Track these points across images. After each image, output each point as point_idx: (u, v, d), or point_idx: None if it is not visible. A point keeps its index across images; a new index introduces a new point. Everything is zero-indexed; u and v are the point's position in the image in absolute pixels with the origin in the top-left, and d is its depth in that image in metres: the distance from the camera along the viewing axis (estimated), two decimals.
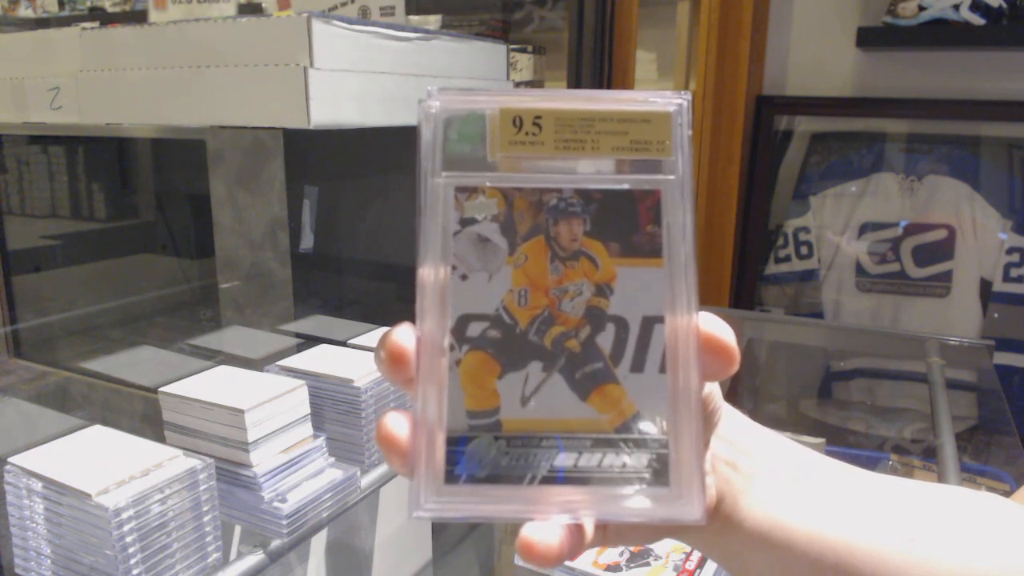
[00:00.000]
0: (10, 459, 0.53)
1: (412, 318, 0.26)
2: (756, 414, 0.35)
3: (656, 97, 0.28)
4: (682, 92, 0.28)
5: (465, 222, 0.26)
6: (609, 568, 0.63)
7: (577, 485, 0.25)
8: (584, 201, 0.27)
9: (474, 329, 0.25)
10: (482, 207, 0.26)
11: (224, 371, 0.67)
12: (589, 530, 0.25)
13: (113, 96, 0.87)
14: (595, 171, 0.27)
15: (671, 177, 0.27)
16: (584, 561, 0.64)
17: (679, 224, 0.26)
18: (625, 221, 0.27)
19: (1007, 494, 0.39)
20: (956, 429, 0.96)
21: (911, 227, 1.69)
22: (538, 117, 0.27)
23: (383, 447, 0.25)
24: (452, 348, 0.25)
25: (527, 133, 0.27)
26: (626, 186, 0.27)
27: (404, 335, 0.25)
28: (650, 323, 0.26)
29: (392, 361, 0.25)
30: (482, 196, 0.26)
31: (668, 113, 0.27)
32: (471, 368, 0.25)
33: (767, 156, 1.87)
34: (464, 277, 0.26)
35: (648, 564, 0.63)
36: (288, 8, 1.11)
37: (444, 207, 0.26)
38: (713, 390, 0.29)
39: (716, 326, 0.26)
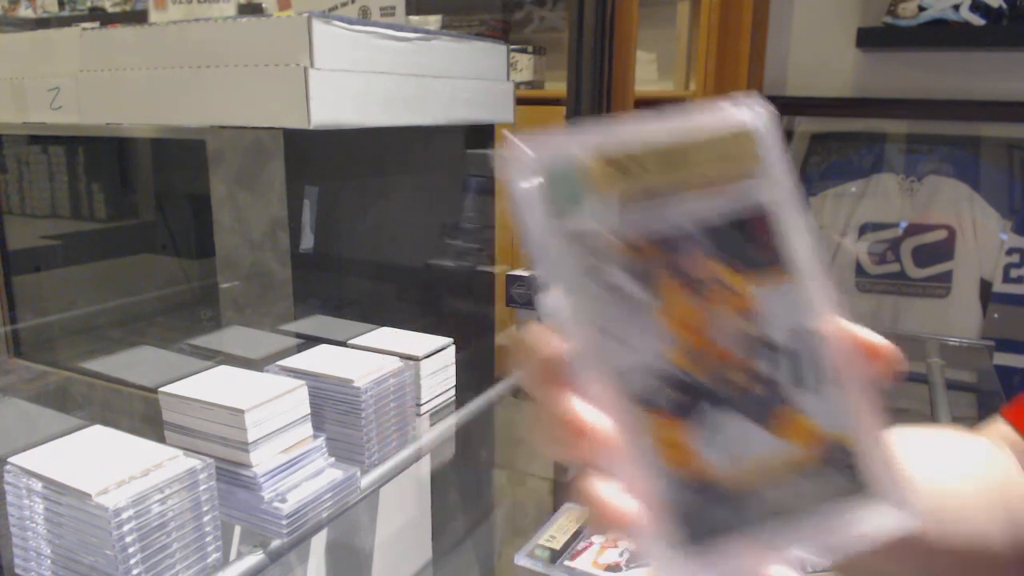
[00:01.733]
0: (10, 459, 0.53)
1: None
2: None
3: (738, 112, 0.26)
4: (757, 99, 0.26)
5: (594, 275, 0.24)
6: (609, 568, 0.63)
7: (798, 519, 0.24)
8: (703, 232, 0.25)
9: (643, 387, 0.24)
10: (614, 263, 0.25)
11: (224, 371, 0.67)
12: (825, 562, 0.26)
13: (113, 96, 0.87)
14: (705, 199, 0.26)
15: (776, 189, 0.26)
16: (584, 561, 0.64)
17: (795, 232, 0.26)
18: (746, 243, 0.26)
19: None
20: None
21: (911, 227, 1.69)
22: (636, 155, 0.25)
23: (600, 519, 0.23)
24: (630, 412, 0.24)
25: (629, 173, 0.25)
26: (739, 207, 0.26)
27: (580, 409, 0.24)
28: (799, 336, 0.26)
29: (577, 437, 0.23)
30: (611, 251, 0.25)
31: (755, 128, 0.26)
32: (664, 433, 0.24)
33: None
34: (612, 335, 0.24)
35: (648, 564, 0.63)
36: (288, 8, 1.11)
37: (570, 263, 0.24)
38: None
39: (865, 331, 0.26)
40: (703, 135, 0.26)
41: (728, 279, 0.25)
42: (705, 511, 0.24)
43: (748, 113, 0.26)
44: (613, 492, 0.23)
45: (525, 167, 0.25)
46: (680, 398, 0.24)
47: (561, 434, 0.24)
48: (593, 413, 0.23)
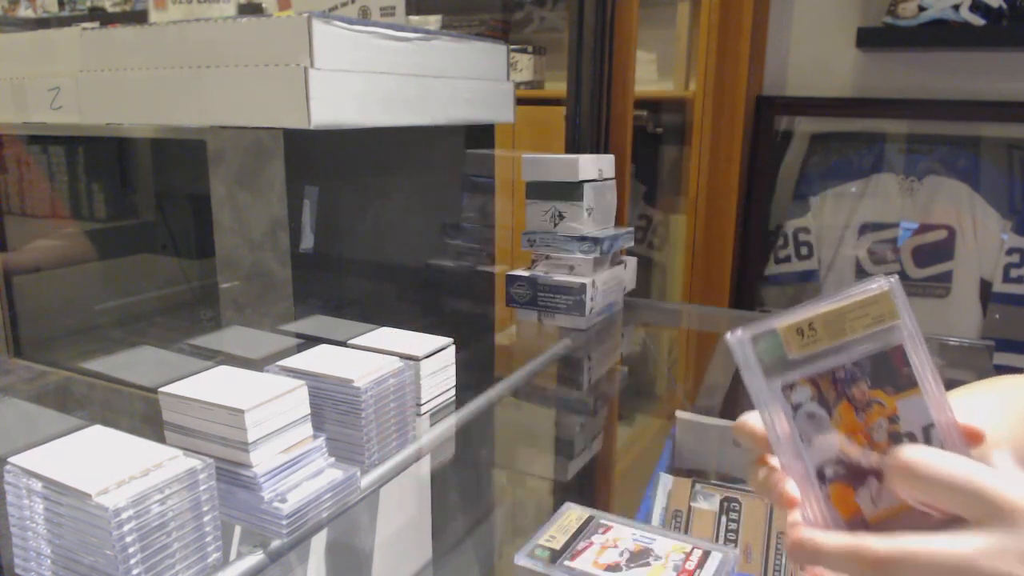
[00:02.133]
0: (10, 459, 0.53)
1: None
2: None
3: (873, 284, 0.41)
4: (890, 277, 0.41)
5: (795, 407, 0.40)
6: (609, 568, 0.63)
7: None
8: (860, 368, 0.40)
9: (828, 470, 0.40)
10: (801, 394, 0.40)
11: (224, 371, 0.67)
12: None
13: (113, 96, 0.87)
14: (860, 344, 0.40)
15: (904, 332, 0.41)
16: (584, 561, 0.64)
17: (919, 360, 0.41)
18: (889, 371, 0.40)
19: None
20: None
21: (911, 227, 1.69)
22: (811, 323, 0.40)
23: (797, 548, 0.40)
24: (817, 483, 0.40)
25: (807, 336, 0.40)
26: (881, 348, 0.40)
27: (790, 488, 0.41)
28: (927, 429, 0.41)
29: (791, 504, 0.41)
30: (799, 387, 0.40)
31: (888, 291, 0.40)
32: (836, 493, 0.41)
33: (767, 156, 1.87)
34: (809, 441, 0.40)
35: (648, 564, 0.63)
36: (288, 8, 1.11)
37: (781, 403, 0.40)
38: None
39: (965, 417, 0.41)
40: (854, 301, 0.40)
41: (880, 397, 0.41)
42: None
43: (885, 281, 0.41)
44: (804, 527, 0.40)
45: (742, 342, 0.40)
46: (848, 474, 0.41)
47: (776, 498, 0.42)
48: (792, 486, 0.41)
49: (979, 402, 0.49)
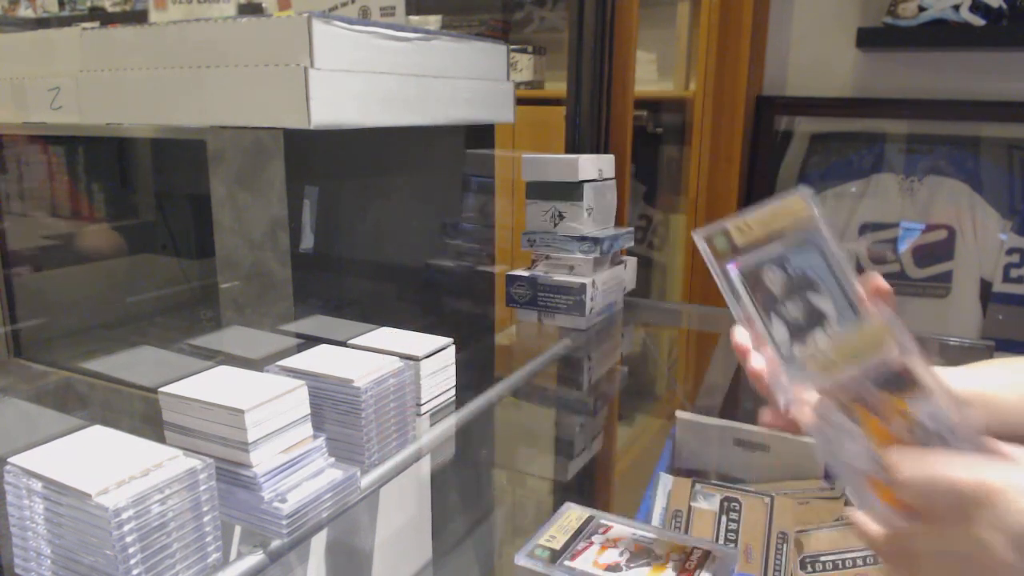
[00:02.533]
0: (10, 459, 0.53)
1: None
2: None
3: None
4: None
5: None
6: (609, 568, 0.63)
7: None
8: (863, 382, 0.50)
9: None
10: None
11: (224, 371, 0.67)
12: None
13: (113, 96, 0.88)
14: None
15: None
16: (584, 561, 0.64)
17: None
18: (899, 379, 0.49)
19: None
20: None
21: (911, 227, 1.69)
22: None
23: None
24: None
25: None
26: (896, 367, 0.49)
27: (741, 338, 0.54)
28: (935, 416, 0.48)
29: (741, 352, 0.53)
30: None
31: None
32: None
33: (767, 156, 1.87)
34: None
35: (648, 564, 0.63)
36: (288, 8, 1.11)
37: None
38: None
39: (875, 279, 0.51)
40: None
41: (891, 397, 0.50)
42: None
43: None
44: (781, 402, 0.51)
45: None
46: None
47: (733, 344, 0.54)
48: (741, 335, 0.54)
49: (989, 372, 0.57)
